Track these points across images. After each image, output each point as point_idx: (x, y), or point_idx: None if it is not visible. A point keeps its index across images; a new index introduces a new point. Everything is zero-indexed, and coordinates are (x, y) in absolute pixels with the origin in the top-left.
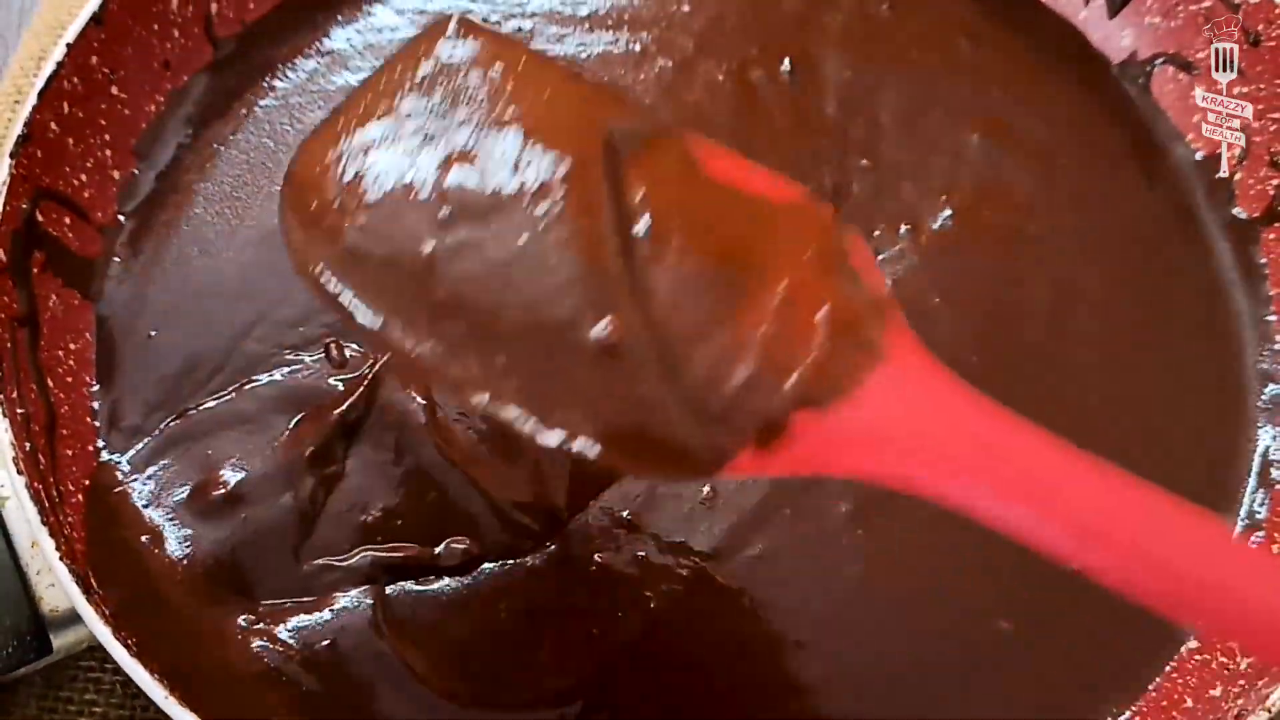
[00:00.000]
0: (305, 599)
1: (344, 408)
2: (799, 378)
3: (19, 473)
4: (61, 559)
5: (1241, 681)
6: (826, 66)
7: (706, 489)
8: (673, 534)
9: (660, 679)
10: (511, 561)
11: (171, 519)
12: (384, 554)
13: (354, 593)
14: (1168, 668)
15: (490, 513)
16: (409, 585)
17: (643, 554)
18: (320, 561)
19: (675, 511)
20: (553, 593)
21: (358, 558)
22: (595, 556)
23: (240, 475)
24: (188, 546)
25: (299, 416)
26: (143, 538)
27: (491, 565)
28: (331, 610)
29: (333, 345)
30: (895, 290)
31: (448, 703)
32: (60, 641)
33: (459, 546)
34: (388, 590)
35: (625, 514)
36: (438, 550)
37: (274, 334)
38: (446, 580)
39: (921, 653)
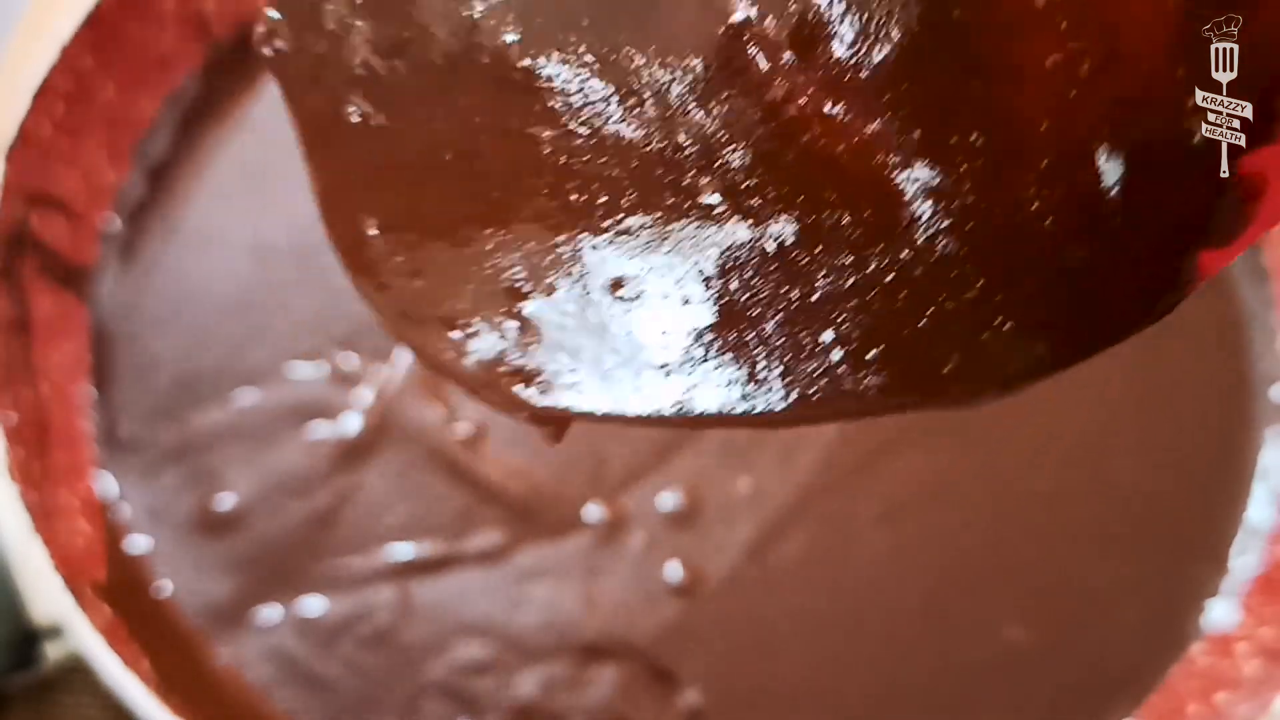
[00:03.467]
0: (320, 600)
1: (356, 419)
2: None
3: (11, 480)
4: (54, 570)
5: (1245, 687)
6: None
7: (749, 482)
8: (708, 529)
9: (672, 680)
10: (541, 552)
11: (172, 532)
12: (408, 549)
13: (375, 591)
14: (1170, 673)
15: (516, 503)
16: (435, 579)
17: (674, 546)
18: (339, 562)
19: (713, 505)
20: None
21: (380, 554)
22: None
23: (246, 489)
24: (188, 560)
25: (308, 426)
26: (140, 549)
27: (521, 556)
28: (350, 611)
29: (338, 356)
30: None
31: None
32: (54, 652)
33: (487, 538)
34: (413, 586)
35: (659, 508)
36: (464, 542)
37: (276, 343)
38: (474, 572)
39: (930, 657)
